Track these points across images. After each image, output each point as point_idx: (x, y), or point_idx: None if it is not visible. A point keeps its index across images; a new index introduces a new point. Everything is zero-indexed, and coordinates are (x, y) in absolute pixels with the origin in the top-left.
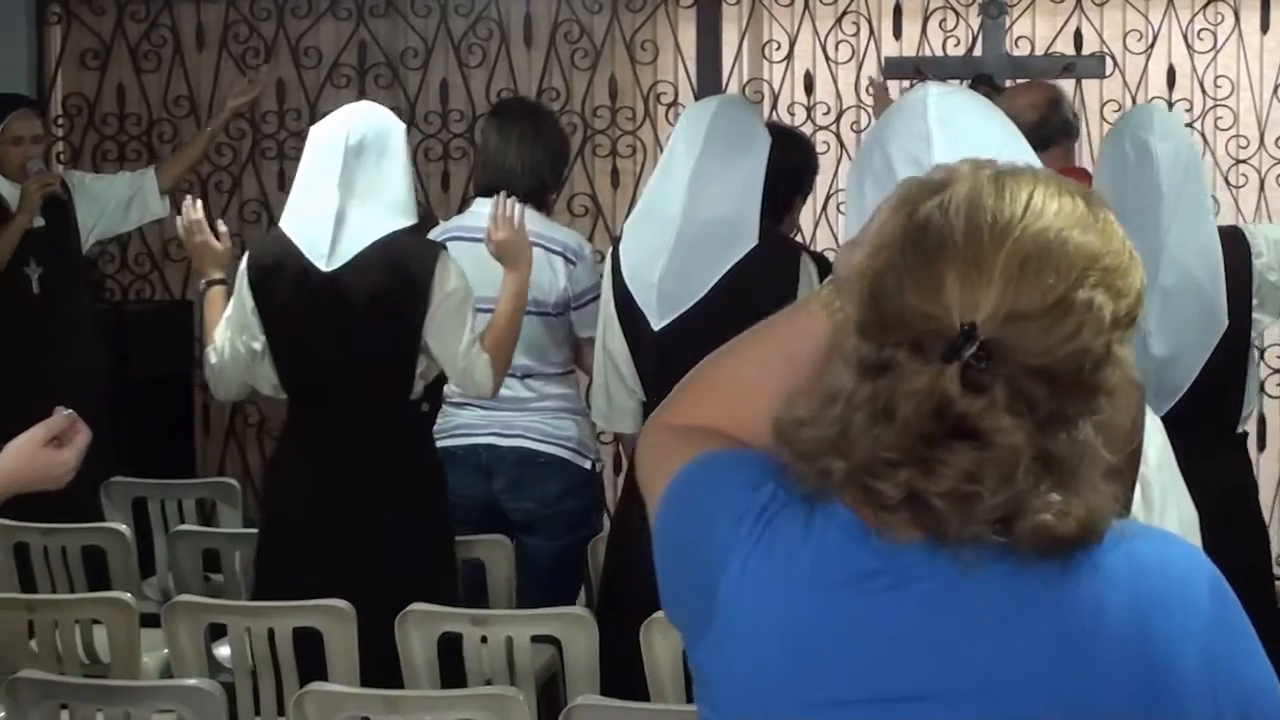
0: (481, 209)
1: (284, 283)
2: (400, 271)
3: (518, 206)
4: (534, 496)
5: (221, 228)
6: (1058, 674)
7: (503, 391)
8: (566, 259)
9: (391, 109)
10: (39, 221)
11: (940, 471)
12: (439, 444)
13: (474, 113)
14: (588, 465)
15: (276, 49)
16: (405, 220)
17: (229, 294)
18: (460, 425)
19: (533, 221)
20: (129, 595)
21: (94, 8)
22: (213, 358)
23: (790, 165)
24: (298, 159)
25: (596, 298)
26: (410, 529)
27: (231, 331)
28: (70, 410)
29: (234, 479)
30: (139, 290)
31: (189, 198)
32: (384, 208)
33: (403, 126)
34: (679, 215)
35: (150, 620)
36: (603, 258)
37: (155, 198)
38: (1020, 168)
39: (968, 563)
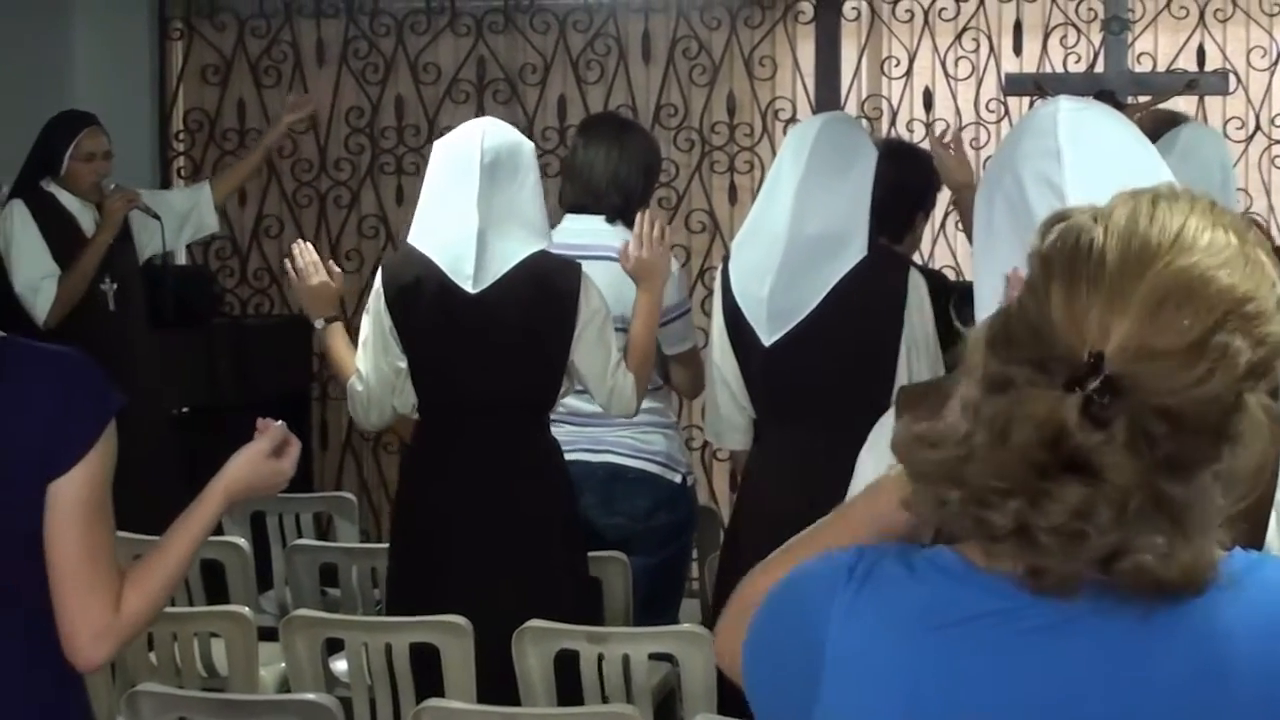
0: (572, 225)
1: (425, 303)
2: (546, 292)
3: (659, 224)
4: (624, 512)
5: (334, 268)
6: (1185, 707)
7: (591, 407)
8: None
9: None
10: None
11: (1049, 506)
12: None
13: None
14: (678, 479)
15: (395, 65)
16: (541, 241)
17: (345, 327)
18: None
19: (620, 238)
20: (247, 609)
21: (215, 24)
22: (358, 385)
23: (912, 182)
24: (416, 174)
25: (682, 315)
26: (548, 549)
27: (374, 354)
28: (282, 422)
29: (351, 493)
30: (258, 305)
31: (299, 241)
32: (522, 229)
33: (530, 143)
34: (786, 231)
35: (268, 634)
36: (702, 275)
37: (210, 213)
38: (1179, 192)
39: (1081, 600)
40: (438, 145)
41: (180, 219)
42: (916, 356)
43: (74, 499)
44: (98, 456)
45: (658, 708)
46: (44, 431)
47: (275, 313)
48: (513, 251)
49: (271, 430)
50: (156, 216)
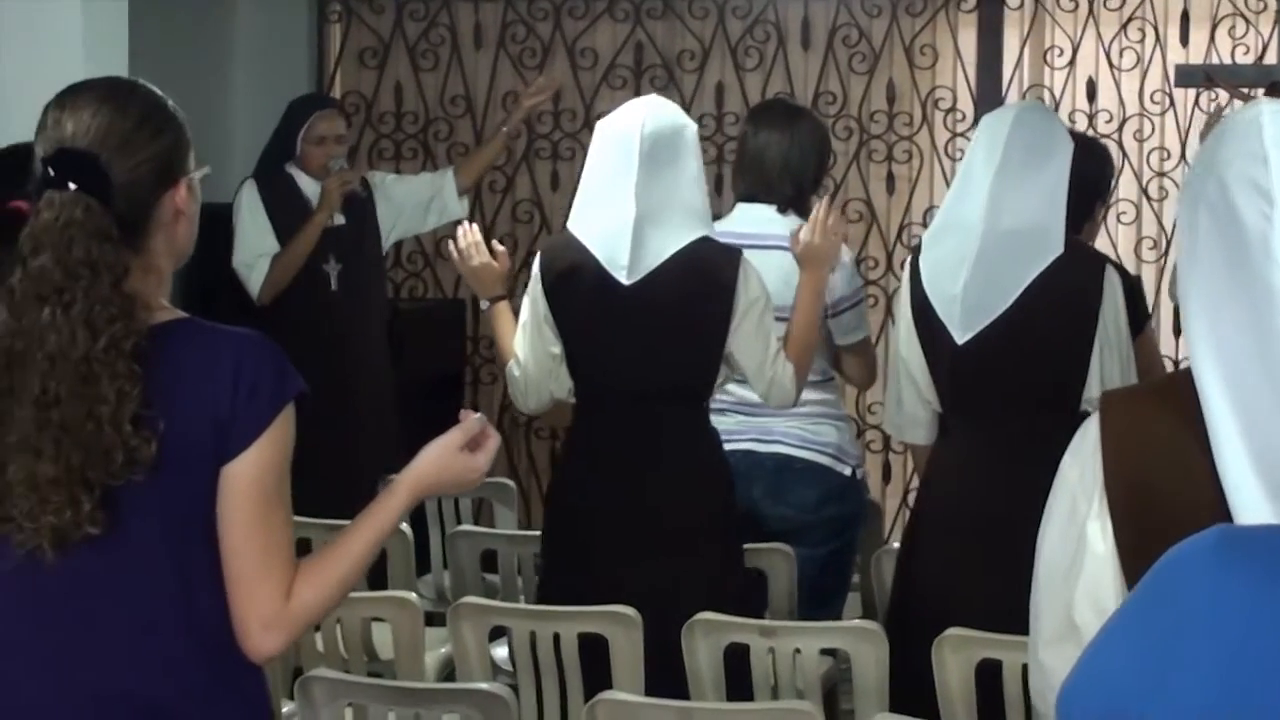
0: (745, 213)
1: (581, 292)
2: (704, 282)
3: (835, 213)
4: (792, 503)
5: (498, 247)
6: None
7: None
8: None
9: None
10: (340, 219)
11: None
12: None
13: None
14: (847, 472)
15: (553, 49)
16: (702, 228)
17: (513, 307)
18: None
19: (792, 227)
20: (414, 595)
21: (373, 6)
22: (515, 370)
23: (1090, 172)
24: (571, 159)
25: (854, 305)
26: (704, 538)
27: (531, 339)
28: (481, 414)
29: (505, 478)
30: (412, 288)
31: (464, 223)
32: (681, 216)
33: (693, 124)
34: (980, 225)
35: (426, 618)
36: (858, 264)
37: (454, 199)
38: None
39: None
40: (599, 126)
41: (423, 205)
42: (1109, 355)
43: (247, 483)
44: (273, 440)
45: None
46: (217, 413)
47: (429, 296)
48: (671, 241)
49: (468, 422)
50: (364, 196)
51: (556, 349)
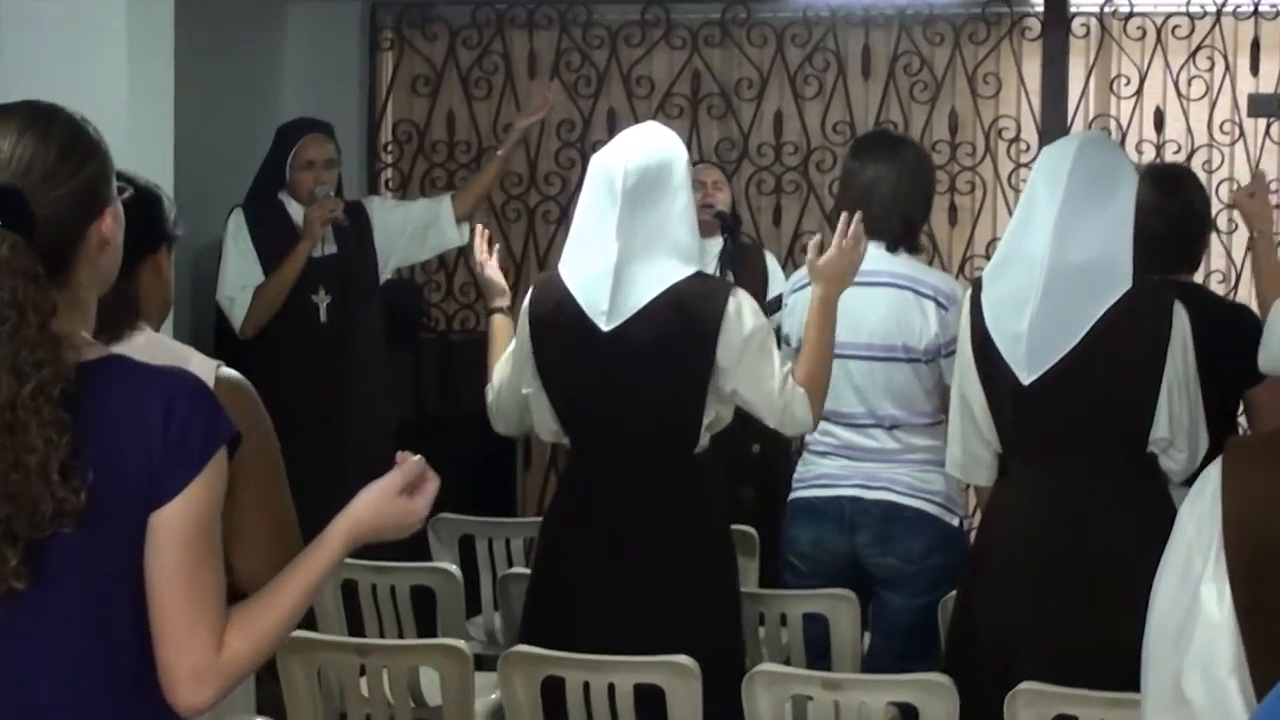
0: None
1: (561, 335)
2: (686, 322)
3: (859, 228)
4: (898, 553)
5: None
6: None
7: (868, 442)
8: (939, 303)
9: (723, 140)
10: (330, 249)
11: None
12: (799, 494)
13: (808, 145)
14: (955, 521)
15: (608, 77)
16: (690, 265)
17: (513, 322)
18: (822, 475)
19: (902, 264)
20: (464, 643)
21: (426, 34)
22: (490, 395)
23: (1202, 204)
24: None
25: None
26: (690, 587)
27: (510, 370)
28: (420, 456)
29: None
30: (464, 320)
31: (479, 228)
32: (665, 255)
33: (684, 155)
34: (1046, 259)
35: (476, 661)
36: None
37: (451, 226)
38: None
39: None
40: (592, 160)
41: (420, 232)
42: (1177, 394)
43: (177, 531)
44: (204, 487)
45: None
46: (147, 460)
47: (481, 328)
48: (655, 281)
49: (406, 465)
50: (344, 226)
51: (529, 389)
